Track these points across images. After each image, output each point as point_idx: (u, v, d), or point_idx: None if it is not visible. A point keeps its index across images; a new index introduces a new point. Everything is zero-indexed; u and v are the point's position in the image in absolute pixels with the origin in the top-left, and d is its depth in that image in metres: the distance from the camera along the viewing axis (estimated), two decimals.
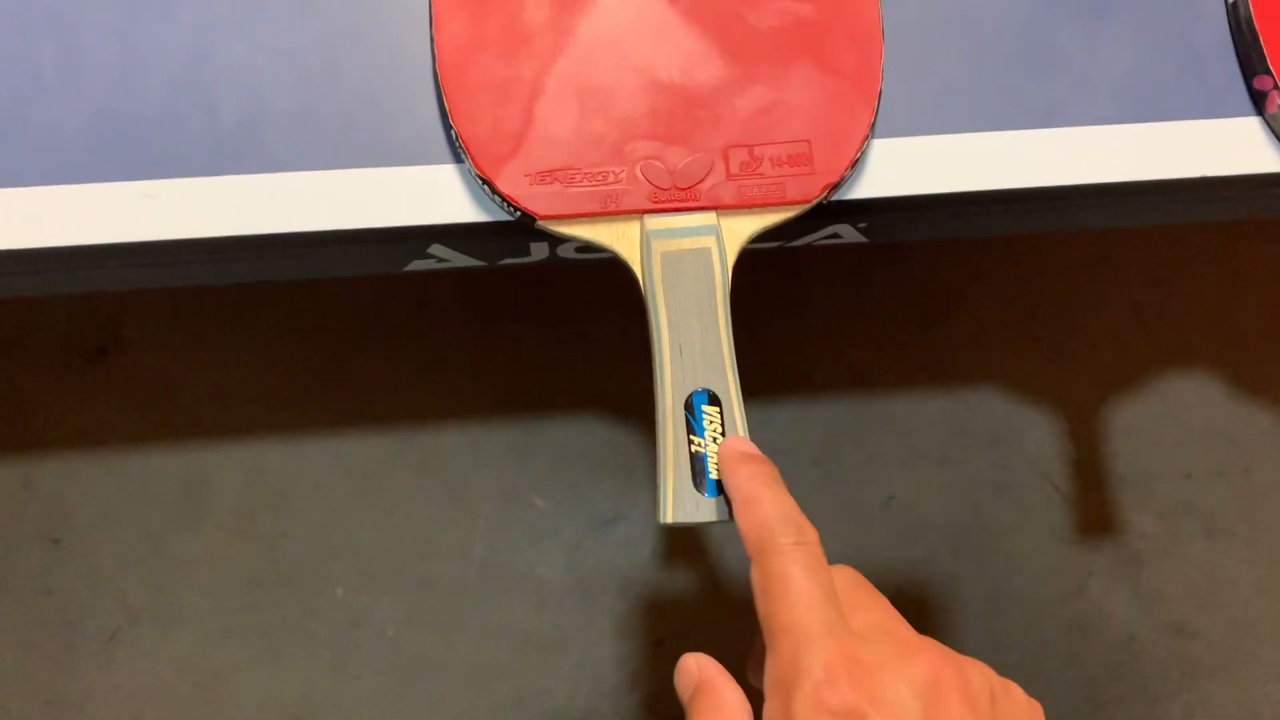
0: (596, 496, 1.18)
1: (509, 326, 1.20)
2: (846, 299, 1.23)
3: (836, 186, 0.41)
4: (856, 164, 0.42)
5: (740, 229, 0.41)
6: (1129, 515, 1.21)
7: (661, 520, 0.38)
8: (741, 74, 0.42)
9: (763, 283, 1.22)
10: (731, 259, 0.41)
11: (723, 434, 0.39)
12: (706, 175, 0.41)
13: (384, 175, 0.43)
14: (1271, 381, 1.23)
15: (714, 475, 0.39)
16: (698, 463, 0.39)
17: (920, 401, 1.22)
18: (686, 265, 0.40)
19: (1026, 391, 1.23)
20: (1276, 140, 0.43)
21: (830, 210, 0.43)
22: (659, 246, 0.40)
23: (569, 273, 1.21)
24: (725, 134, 0.41)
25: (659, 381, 0.40)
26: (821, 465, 1.21)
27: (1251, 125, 0.43)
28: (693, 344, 0.39)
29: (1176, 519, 1.21)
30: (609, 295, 1.21)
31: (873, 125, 0.42)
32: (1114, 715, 1.18)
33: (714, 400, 0.39)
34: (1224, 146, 0.43)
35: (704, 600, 1.17)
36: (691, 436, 0.39)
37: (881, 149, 0.43)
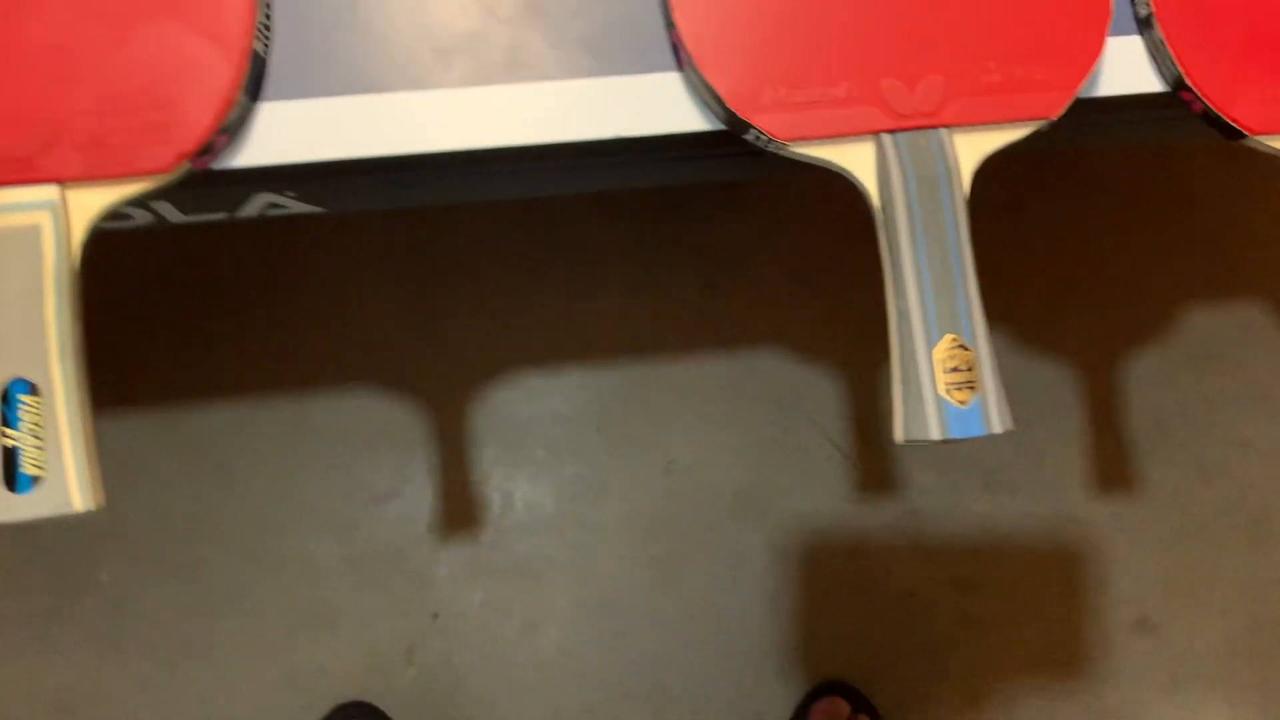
0: (370, 473, 1.16)
1: (275, 299, 1.17)
2: (628, 263, 1.22)
3: (205, 154, 0.39)
4: (230, 130, 0.40)
5: (90, 203, 0.38)
6: (909, 472, 1.21)
7: None
8: (82, 40, 0.38)
9: (540, 250, 1.20)
10: (80, 235, 0.38)
11: (42, 426, 0.36)
12: (46, 146, 0.38)
13: None
14: (1055, 334, 1.23)
15: (27, 471, 0.36)
16: (10, 458, 0.36)
17: (702, 364, 1.21)
18: (9, 244, 0.37)
19: (809, 352, 1.22)
20: (695, 100, 0.41)
21: (239, 179, 0.40)
22: None
23: (334, 243, 1.18)
24: (70, 102, 0.38)
25: None
26: (604, 432, 1.19)
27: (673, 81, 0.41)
28: (12, 330, 0.37)
29: (957, 474, 1.21)
30: (380, 264, 1.18)
31: (247, 87, 0.39)
32: (895, 671, 1.18)
33: (35, 390, 0.37)
34: (651, 103, 0.41)
35: (478, 573, 1.16)
36: (5, 429, 0.36)
37: (281, 113, 0.40)
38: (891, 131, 0.41)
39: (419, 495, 1.16)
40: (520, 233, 1.20)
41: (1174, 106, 0.43)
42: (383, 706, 1.13)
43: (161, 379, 1.16)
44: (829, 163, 0.41)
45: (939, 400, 0.38)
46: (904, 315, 0.39)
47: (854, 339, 1.23)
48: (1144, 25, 0.43)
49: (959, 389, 0.38)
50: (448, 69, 0.41)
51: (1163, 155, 1.28)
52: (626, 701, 1.16)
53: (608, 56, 0.42)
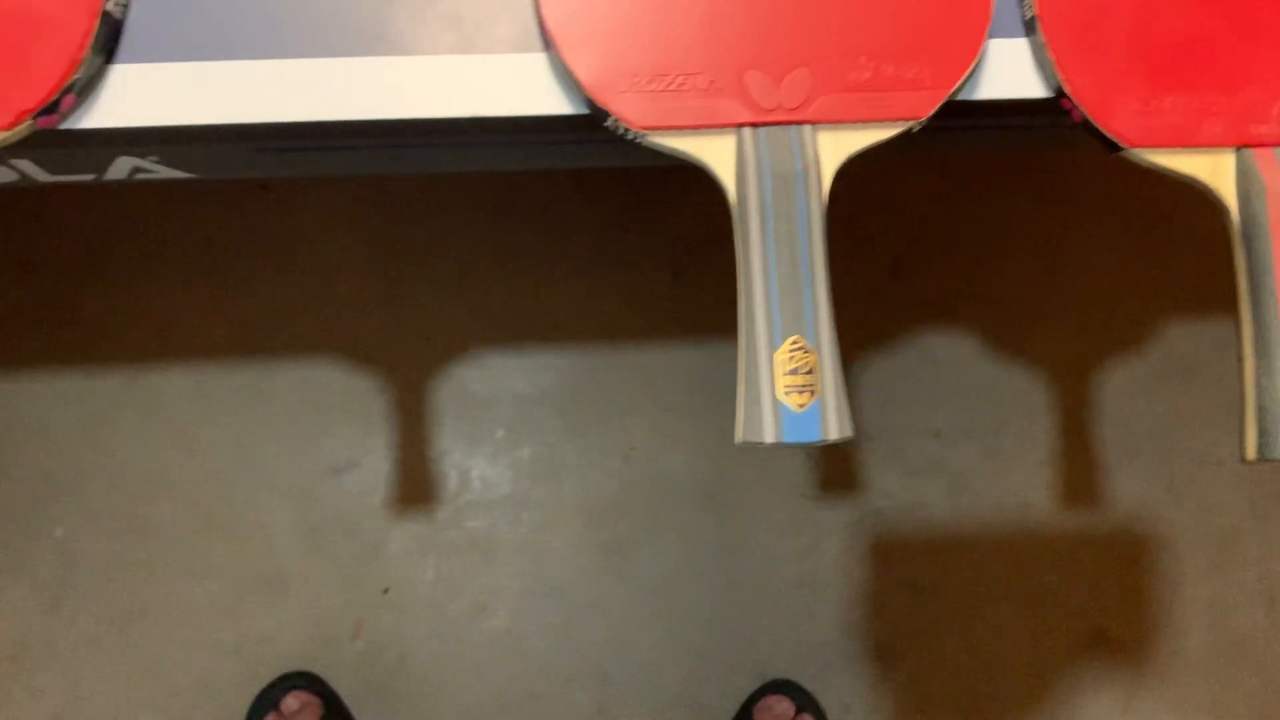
0: (329, 444, 1.16)
1: (244, 266, 1.17)
2: (598, 246, 1.21)
3: (49, 113, 0.38)
4: (76, 89, 0.39)
5: None
6: (874, 473, 1.20)
7: None
8: None
9: (510, 229, 1.19)
10: None
11: None
12: None
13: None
14: (1027, 341, 1.21)
15: None
16: None
17: (668, 351, 1.20)
18: None
19: None
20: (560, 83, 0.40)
21: (93, 140, 0.40)
22: None
23: (303, 213, 1.18)
24: None
25: None
26: (565, 415, 1.19)
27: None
28: None
29: (922, 478, 1.20)
30: (348, 236, 1.18)
31: (95, 46, 0.38)
32: (847, 673, 1.17)
33: None
34: (515, 84, 0.40)
35: (431, 550, 1.16)
36: None
37: (134, 75, 0.39)
38: (753, 126, 0.39)
39: (376, 468, 1.16)
40: (492, 211, 1.19)
41: (1058, 114, 0.42)
42: (328, 678, 1.13)
43: (128, 340, 1.16)
44: (688, 155, 0.40)
45: (776, 403, 0.37)
46: (750, 314, 0.38)
47: None
48: (1029, 29, 0.41)
49: (798, 392, 0.37)
50: (309, 40, 0.41)
51: (1137, 165, 1.26)
52: (571, 687, 1.16)
53: (474, 34, 0.41)
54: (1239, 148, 0.40)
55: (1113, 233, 1.24)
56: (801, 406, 0.37)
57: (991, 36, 0.41)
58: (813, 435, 0.37)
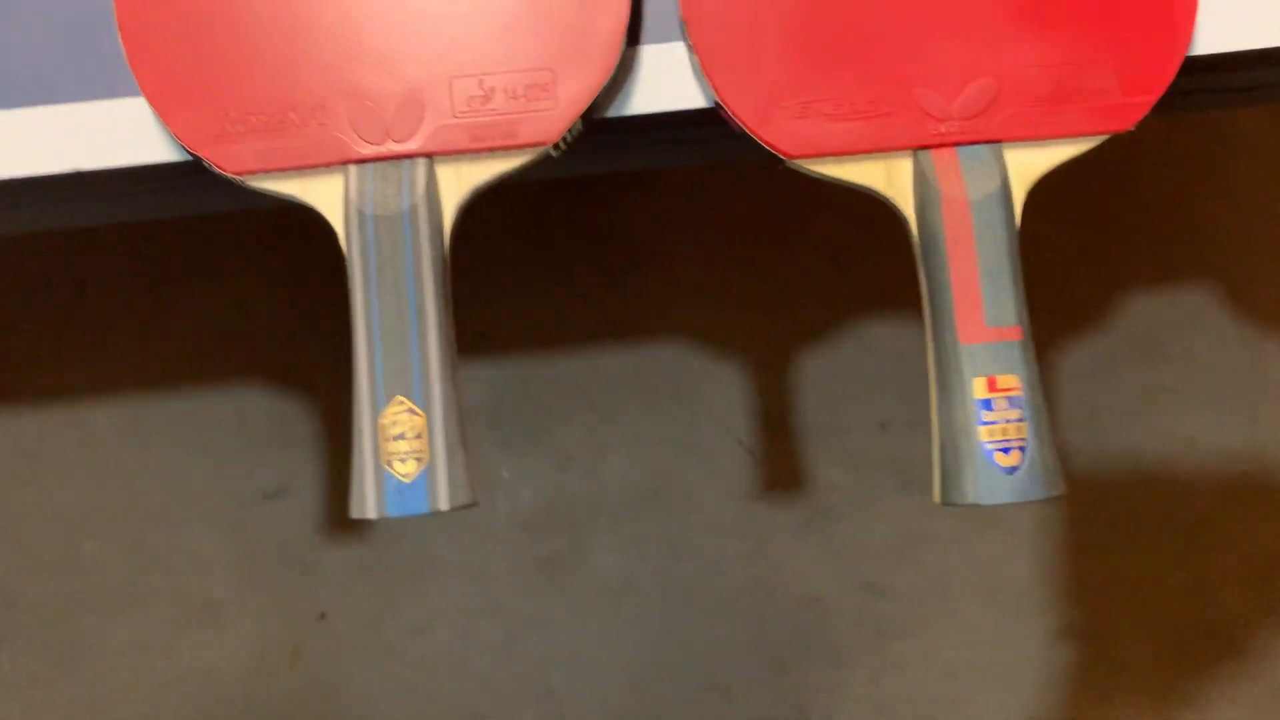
0: (260, 469, 1.14)
1: (171, 295, 1.16)
2: (525, 250, 1.17)
3: None
4: None
5: None
6: (819, 469, 1.15)
7: None
8: None
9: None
10: None
11: None
12: None
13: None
14: None
15: None
16: None
17: (602, 357, 1.16)
18: None
19: (714, 344, 1.17)
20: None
21: None
22: None
23: (223, 238, 1.16)
24: None
25: None
26: (499, 428, 1.16)
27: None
28: None
29: (869, 472, 1.15)
30: (269, 258, 1.16)
31: None
32: (796, 678, 1.13)
33: None
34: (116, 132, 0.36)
35: (367, 573, 1.14)
36: None
37: None
38: (359, 162, 0.36)
39: (308, 492, 1.14)
40: None
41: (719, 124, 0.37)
42: (268, 707, 1.12)
43: (57, 375, 1.15)
44: (294, 198, 0.36)
45: (379, 471, 0.33)
46: (356, 374, 0.34)
47: (762, 332, 1.17)
48: (684, 33, 0.37)
49: (400, 460, 0.33)
50: None
51: None
52: (515, 705, 1.13)
53: (62, 81, 0.37)
54: (916, 150, 0.35)
55: (1069, 201, 1.18)
56: (407, 476, 0.33)
57: (648, 42, 0.37)
58: (420, 507, 0.33)
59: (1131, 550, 1.14)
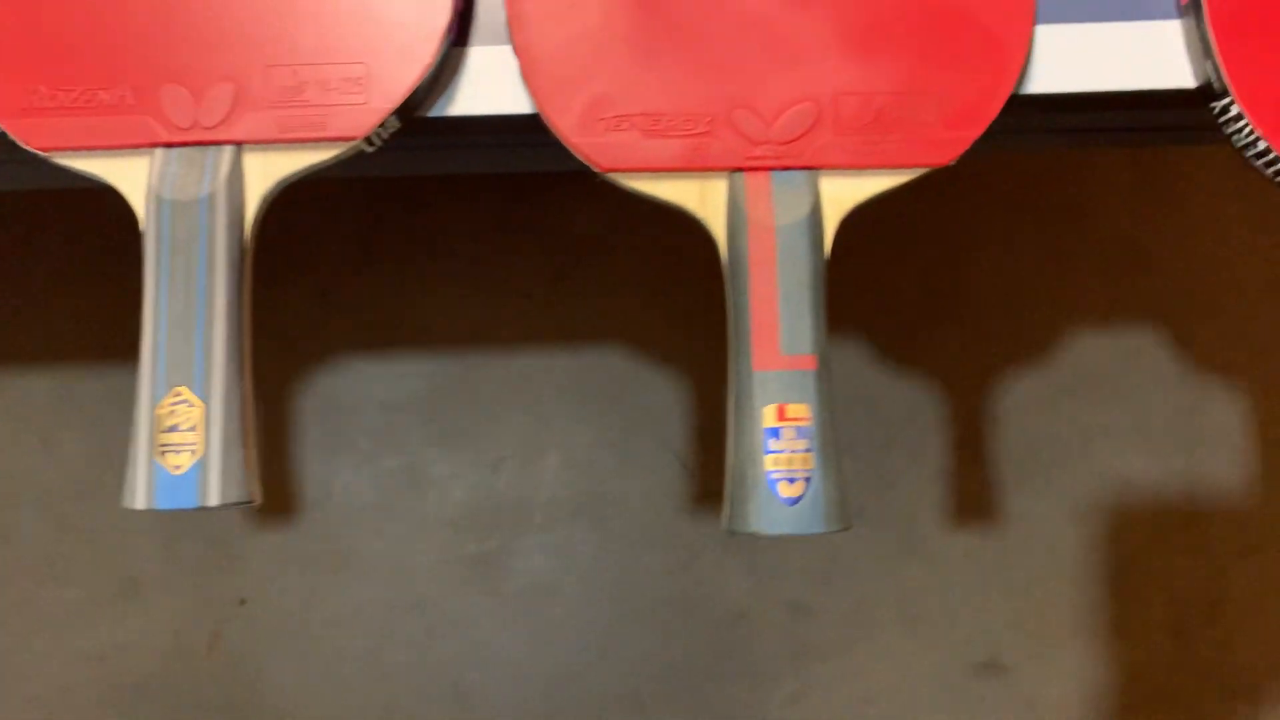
0: None
1: (107, 268, 1.15)
2: (470, 246, 1.17)
3: None
4: None
5: None
6: None
7: None
8: None
9: (376, 228, 1.16)
10: None
11: None
12: None
13: None
14: (924, 348, 1.15)
15: None
16: None
17: (543, 358, 1.15)
18: None
19: (657, 353, 1.16)
20: None
21: None
22: None
23: None
24: None
25: None
26: (432, 423, 1.15)
27: None
28: None
29: None
30: None
31: None
32: (713, 696, 1.12)
33: None
34: None
35: (290, 562, 1.13)
36: None
37: None
38: (166, 146, 0.35)
39: None
40: (357, 209, 1.16)
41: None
42: (183, 689, 1.11)
43: None
44: (98, 178, 0.35)
45: (151, 463, 0.33)
46: (140, 359, 0.34)
47: (707, 342, 1.16)
48: (510, 35, 0.36)
49: (174, 452, 0.33)
50: None
51: (1059, 161, 1.18)
52: (427, 702, 1.12)
53: None
54: (732, 172, 0.34)
55: (1023, 233, 1.17)
56: (179, 469, 0.32)
57: (478, 44, 0.36)
58: (189, 501, 0.32)
59: (1056, 589, 1.14)
